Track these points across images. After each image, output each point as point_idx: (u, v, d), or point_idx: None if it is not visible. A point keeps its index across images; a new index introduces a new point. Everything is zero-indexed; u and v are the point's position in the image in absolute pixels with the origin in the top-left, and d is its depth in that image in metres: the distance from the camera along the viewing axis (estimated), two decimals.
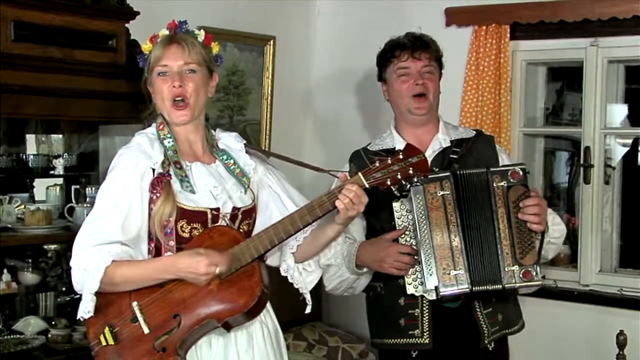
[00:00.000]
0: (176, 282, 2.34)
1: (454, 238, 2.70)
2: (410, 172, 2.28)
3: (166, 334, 2.32)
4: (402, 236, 2.75)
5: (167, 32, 2.48)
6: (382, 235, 2.80)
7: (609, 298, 3.82)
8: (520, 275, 2.68)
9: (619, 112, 4.26)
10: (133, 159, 2.40)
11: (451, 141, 2.93)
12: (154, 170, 2.39)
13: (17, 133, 3.54)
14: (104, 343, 2.34)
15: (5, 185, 3.39)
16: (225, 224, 2.41)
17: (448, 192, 2.71)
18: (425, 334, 2.79)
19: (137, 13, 3.30)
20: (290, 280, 2.54)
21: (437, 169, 2.83)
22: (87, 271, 2.27)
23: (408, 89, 2.89)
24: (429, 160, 2.85)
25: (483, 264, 2.71)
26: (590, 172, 3.89)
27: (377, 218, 2.86)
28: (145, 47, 2.50)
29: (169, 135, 2.46)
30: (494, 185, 2.71)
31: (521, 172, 2.71)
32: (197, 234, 2.37)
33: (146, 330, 2.33)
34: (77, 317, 2.35)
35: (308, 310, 2.55)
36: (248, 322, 2.40)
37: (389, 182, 2.29)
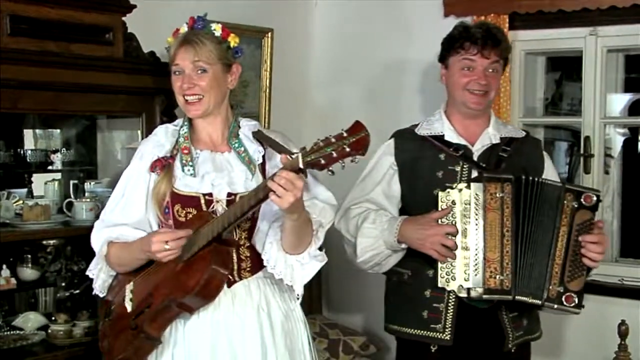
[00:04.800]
0: (158, 264, 2.43)
1: (506, 243, 2.66)
2: (347, 150, 2.15)
3: (140, 313, 2.43)
4: (447, 219, 2.69)
5: (185, 28, 2.56)
6: (427, 214, 2.73)
7: (610, 288, 3.81)
8: (563, 298, 2.64)
9: (619, 101, 4.25)
10: (143, 150, 2.60)
11: (501, 138, 2.89)
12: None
13: (15, 128, 3.52)
14: (105, 319, 2.57)
15: (3, 180, 3.38)
16: (220, 209, 2.46)
17: (508, 195, 2.66)
18: (447, 329, 2.77)
19: (134, 6, 3.28)
20: (271, 271, 2.47)
21: (483, 164, 2.80)
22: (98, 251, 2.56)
23: (469, 84, 2.82)
24: (477, 153, 2.85)
25: (530, 276, 2.67)
26: (590, 162, 3.88)
27: (419, 207, 2.80)
28: (169, 40, 2.59)
29: (186, 124, 2.60)
30: (565, 202, 2.66)
31: (595, 198, 2.68)
32: None
33: (129, 309, 2.48)
34: (92, 294, 2.67)
35: (298, 302, 2.58)
36: (209, 305, 2.40)
37: (322, 162, 2.16)
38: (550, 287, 2.65)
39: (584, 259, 2.66)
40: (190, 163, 2.50)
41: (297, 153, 2.21)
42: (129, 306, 2.48)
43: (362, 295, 4.44)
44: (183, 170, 2.49)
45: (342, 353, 4.11)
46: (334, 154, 2.15)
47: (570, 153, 5.17)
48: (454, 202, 2.69)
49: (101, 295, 2.63)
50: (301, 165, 2.20)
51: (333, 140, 2.16)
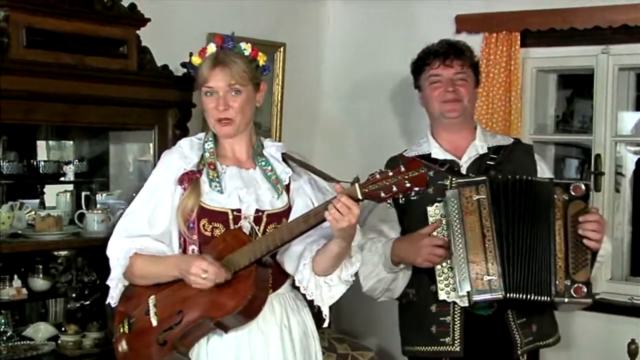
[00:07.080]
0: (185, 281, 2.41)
1: (488, 243, 2.67)
2: (407, 185, 2.22)
3: (169, 329, 2.41)
4: (437, 232, 2.73)
5: (214, 47, 2.54)
6: (418, 231, 2.77)
7: (619, 307, 3.80)
8: (572, 291, 2.63)
9: (630, 119, 4.25)
10: (168, 161, 2.57)
11: (489, 148, 2.92)
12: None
13: (28, 139, 3.55)
14: (121, 331, 2.50)
15: (15, 191, 3.40)
16: (248, 226, 2.46)
17: (484, 197, 2.69)
18: (456, 341, 2.78)
19: (148, 20, 3.30)
20: (303, 292, 2.51)
21: (472, 175, 2.82)
22: (119, 260, 2.47)
23: (439, 95, 2.88)
24: (465, 166, 2.88)
25: (526, 273, 2.66)
26: (600, 179, 3.87)
27: (413, 225, 2.83)
28: (195, 59, 2.57)
29: (210, 139, 2.58)
30: (555, 197, 2.68)
31: (584, 187, 2.70)
32: (219, 233, 2.46)
33: (154, 323, 2.44)
34: (106, 302, 2.60)
35: (325, 324, 2.53)
36: (248, 324, 2.42)
37: (382, 195, 2.23)
38: (558, 282, 2.64)
39: (584, 240, 2.65)
40: (217, 179, 2.49)
41: (347, 182, 2.27)
42: (154, 321, 2.44)
43: (370, 310, 4.43)
44: (210, 186, 2.48)
45: None
46: (394, 188, 2.21)
47: (581, 170, 5.16)
48: (442, 215, 2.74)
49: (113, 305, 2.58)
50: (360, 196, 2.25)
51: (391, 173, 2.22)
